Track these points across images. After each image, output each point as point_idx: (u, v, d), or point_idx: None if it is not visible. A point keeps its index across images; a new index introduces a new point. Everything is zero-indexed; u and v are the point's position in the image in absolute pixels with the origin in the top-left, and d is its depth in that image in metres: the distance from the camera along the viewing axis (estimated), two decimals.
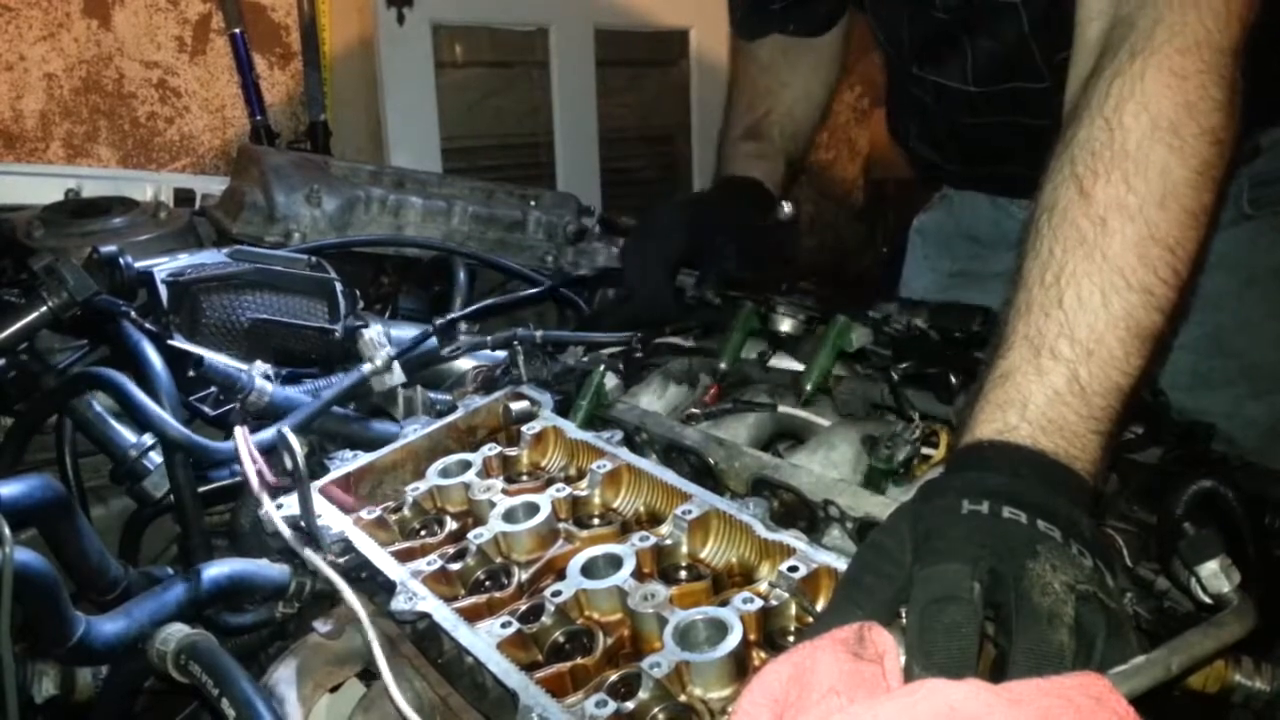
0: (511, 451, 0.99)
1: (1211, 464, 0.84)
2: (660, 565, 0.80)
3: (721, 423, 1.00)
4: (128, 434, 1.06)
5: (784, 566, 0.73)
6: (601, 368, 1.08)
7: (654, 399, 1.08)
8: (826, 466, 0.88)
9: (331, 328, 1.28)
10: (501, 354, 1.23)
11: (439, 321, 1.25)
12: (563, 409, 1.05)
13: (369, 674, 0.79)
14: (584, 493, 0.90)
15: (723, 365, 1.08)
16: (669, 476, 0.88)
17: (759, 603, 0.71)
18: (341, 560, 0.83)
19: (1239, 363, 1.31)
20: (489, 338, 1.23)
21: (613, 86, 3.96)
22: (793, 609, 0.72)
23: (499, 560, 0.83)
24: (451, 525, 0.89)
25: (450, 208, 1.76)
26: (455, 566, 0.82)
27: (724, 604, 0.71)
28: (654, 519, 0.88)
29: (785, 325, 1.10)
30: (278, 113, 3.17)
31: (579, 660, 0.70)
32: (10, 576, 0.64)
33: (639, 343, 1.19)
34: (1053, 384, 0.70)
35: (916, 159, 1.62)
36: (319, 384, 1.19)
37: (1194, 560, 0.65)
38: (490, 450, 0.98)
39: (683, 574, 0.79)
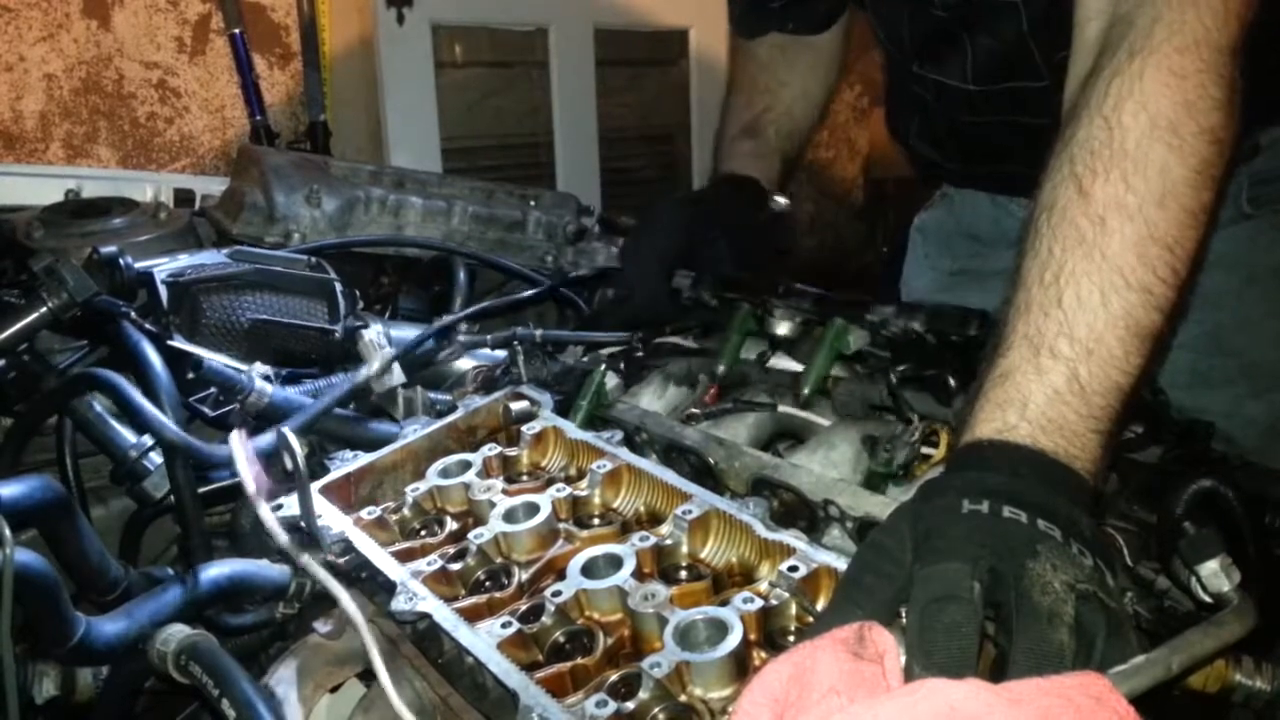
0: (511, 451, 0.99)
1: (1211, 463, 0.84)
2: (660, 565, 0.80)
3: (721, 423, 1.00)
4: (128, 434, 1.06)
5: (784, 566, 0.73)
6: (602, 368, 1.08)
7: (654, 399, 1.08)
8: (826, 466, 0.88)
9: (331, 328, 1.28)
10: (501, 354, 1.23)
11: (440, 322, 1.25)
12: (563, 409, 1.05)
13: (369, 674, 0.79)
14: (584, 493, 0.90)
15: (721, 369, 1.08)
16: (669, 476, 0.88)
17: (759, 602, 0.71)
18: (341, 561, 0.83)
19: (1238, 361, 1.31)
20: (489, 337, 1.23)
21: (612, 86, 3.96)
22: (793, 609, 0.72)
23: (499, 560, 0.83)
24: (452, 525, 0.89)
25: (450, 208, 1.76)
26: (455, 567, 0.82)
27: (724, 604, 0.71)
28: (654, 519, 0.88)
29: (782, 328, 1.10)
30: (277, 113, 3.17)
31: (579, 660, 0.70)
32: (10, 577, 0.64)
33: (639, 342, 1.19)
34: (1052, 383, 0.70)
35: (916, 157, 1.62)
36: (319, 384, 1.19)
37: (1194, 559, 0.65)
38: (490, 450, 0.98)
39: (683, 574, 0.79)
